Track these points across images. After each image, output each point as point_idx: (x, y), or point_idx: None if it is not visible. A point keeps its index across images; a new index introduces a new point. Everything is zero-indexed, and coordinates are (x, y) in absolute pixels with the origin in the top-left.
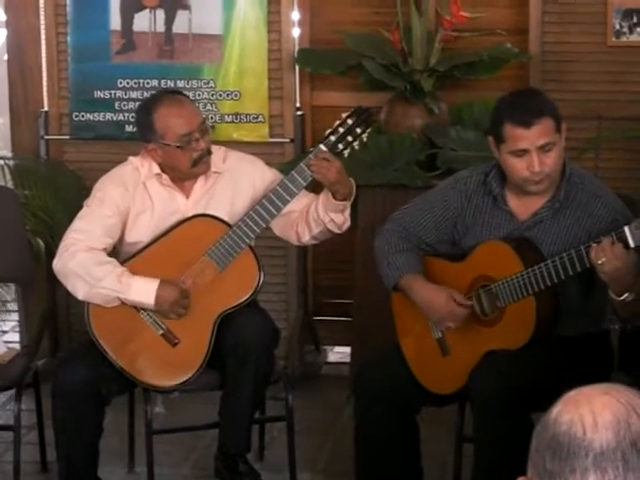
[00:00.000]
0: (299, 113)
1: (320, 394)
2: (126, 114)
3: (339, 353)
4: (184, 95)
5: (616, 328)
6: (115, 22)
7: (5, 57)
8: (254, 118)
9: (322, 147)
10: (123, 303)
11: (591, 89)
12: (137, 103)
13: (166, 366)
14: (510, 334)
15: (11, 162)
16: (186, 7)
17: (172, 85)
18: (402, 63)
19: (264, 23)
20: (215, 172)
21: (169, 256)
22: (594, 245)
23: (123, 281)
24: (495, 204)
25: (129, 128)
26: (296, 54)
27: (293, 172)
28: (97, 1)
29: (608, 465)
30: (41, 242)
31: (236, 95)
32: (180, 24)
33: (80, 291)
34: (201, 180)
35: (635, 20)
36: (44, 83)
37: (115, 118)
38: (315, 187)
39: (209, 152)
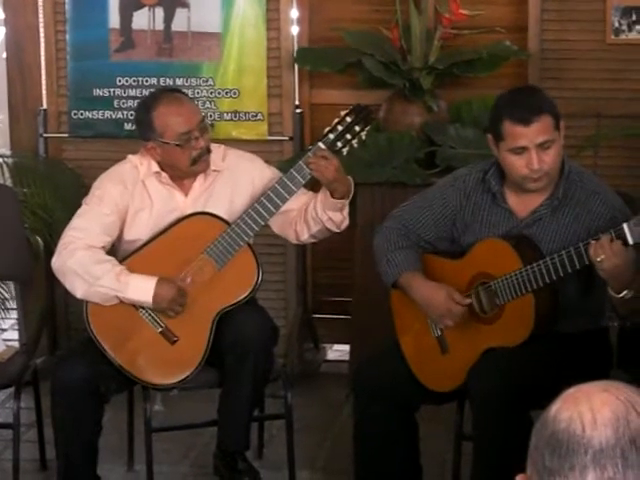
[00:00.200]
0: (298, 111)
1: (319, 392)
2: (125, 112)
3: (338, 351)
4: (183, 93)
5: (615, 325)
6: (114, 20)
7: (4, 55)
8: (253, 116)
9: (321, 145)
10: (122, 301)
11: (590, 87)
12: (136, 101)
13: (165, 364)
14: (509, 331)
15: (10, 160)
16: (185, 5)
17: (171, 83)
18: (401, 61)
19: (263, 21)
20: (214, 170)
21: (168, 254)
22: (593, 242)
23: (121, 279)
24: (494, 202)
25: (128, 126)
26: (295, 53)
27: (292, 170)
28: None
29: (607, 462)
30: (40, 240)
31: (235, 93)
32: (179, 22)
33: (79, 289)
34: (200, 178)
35: (634, 18)
36: (43, 81)
37: (114, 116)
38: (314, 185)
39: (208, 150)
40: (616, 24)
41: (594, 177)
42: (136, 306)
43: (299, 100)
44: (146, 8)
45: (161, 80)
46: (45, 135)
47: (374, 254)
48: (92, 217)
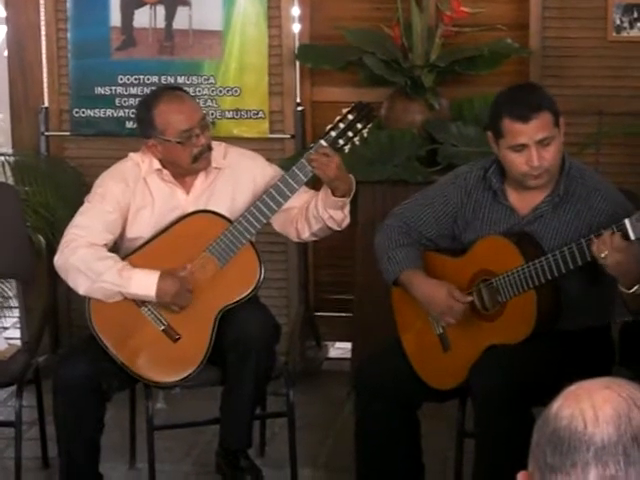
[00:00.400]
0: (299, 109)
1: (321, 390)
2: (126, 110)
3: (340, 349)
4: (184, 91)
5: (628, 321)
6: (115, 18)
7: (5, 53)
8: (254, 114)
9: (323, 143)
10: (124, 298)
11: (592, 84)
12: (137, 99)
13: (167, 362)
14: (511, 329)
15: (11, 158)
16: (186, 3)
17: (172, 81)
18: (402, 59)
19: (264, 19)
20: (216, 168)
21: (170, 252)
22: (594, 239)
23: (124, 275)
24: (495, 199)
25: (129, 124)
26: (296, 50)
27: (294, 168)
28: None
29: (609, 459)
30: (42, 238)
31: (236, 91)
32: (180, 20)
33: (81, 286)
34: (202, 176)
35: (636, 15)
36: (44, 79)
37: (115, 114)
38: (315, 184)
39: (209, 148)
40: (617, 21)
41: (595, 173)
42: (138, 304)
43: (300, 98)
44: (147, 6)
45: (162, 78)
46: (47, 133)
47: (375, 252)
48: (94, 215)
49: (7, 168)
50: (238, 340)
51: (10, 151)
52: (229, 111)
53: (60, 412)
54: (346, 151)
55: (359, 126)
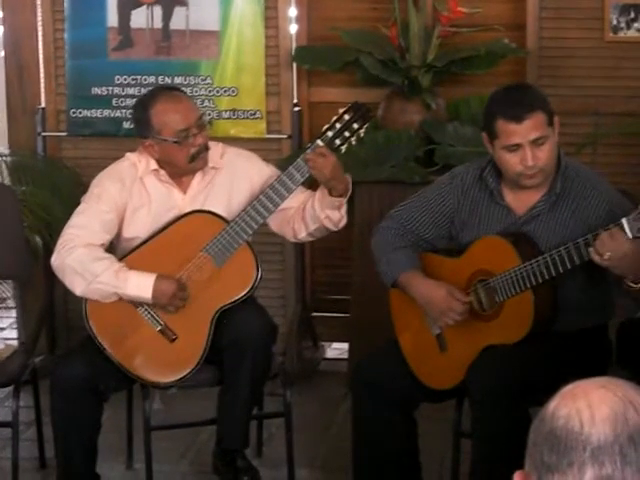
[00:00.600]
0: (296, 109)
1: (318, 390)
2: (123, 111)
3: (337, 349)
4: (181, 91)
5: (626, 321)
6: (112, 19)
7: (2, 54)
8: (251, 114)
9: (319, 143)
10: (121, 299)
11: (588, 84)
12: (134, 100)
13: (164, 362)
14: (508, 329)
15: (8, 159)
16: (183, 4)
17: (169, 81)
18: (399, 59)
19: (261, 19)
20: (212, 168)
21: (166, 252)
22: (591, 239)
23: (120, 276)
24: (492, 199)
25: (126, 124)
26: (293, 52)
27: (290, 168)
28: None
29: (606, 459)
30: (38, 239)
31: (233, 91)
32: (177, 20)
33: (78, 287)
34: (198, 176)
35: (632, 15)
36: (41, 80)
37: (112, 115)
38: (312, 184)
39: (206, 148)
40: (614, 22)
41: (591, 172)
42: (135, 304)
43: (297, 98)
44: (144, 6)
45: (159, 79)
46: (43, 134)
47: (373, 254)
48: (91, 215)
49: (4, 168)
50: (235, 340)
51: (7, 151)
52: (226, 111)
53: (57, 412)
54: (343, 151)
55: (355, 126)
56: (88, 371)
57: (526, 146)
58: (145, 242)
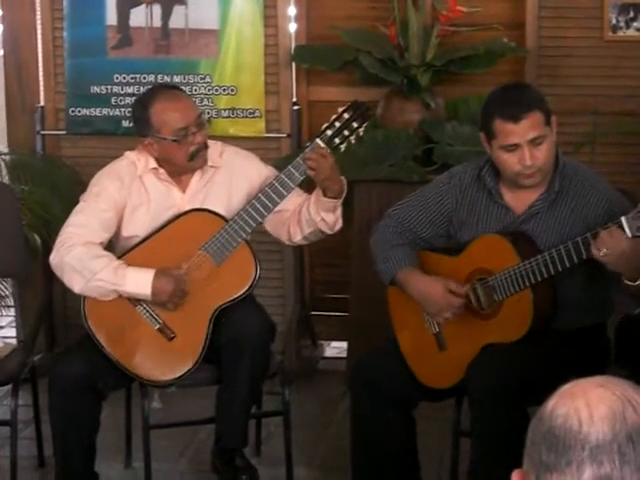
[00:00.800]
0: (296, 108)
1: (317, 389)
2: (122, 109)
3: (336, 348)
4: (180, 90)
5: (624, 319)
6: (111, 17)
7: (1, 52)
8: (250, 113)
9: (319, 142)
10: (119, 297)
11: (587, 84)
12: (133, 98)
13: (162, 360)
14: (507, 327)
15: (7, 157)
16: (182, 2)
17: (168, 80)
18: (398, 58)
19: (260, 18)
20: (212, 167)
21: (165, 250)
22: (591, 238)
23: (119, 273)
24: (490, 198)
25: (125, 123)
26: (292, 51)
27: (290, 166)
28: None
29: (604, 458)
30: (37, 237)
31: (232, 90)
32: (176, 19)
33: (76, 285)
34: (197, 174)
35: (632, 15)
36: (40, 78)
37: (111, 113)
38: (309, 189)
39: (206, 146)
40: (613, 21)
41: (589, 171)
42: (134, 302)
43: (297, 97)
44: (143, 5)
45: (158, 77)
46: (42, 132)
47: (371, 253)
48: (90, 214)
49: (3, 167)
50: (233, 339)
51: (6, 150)
52: (225, 110)
53: (56, 411)
54: (342, 150)
55: (355, 125)
56: (86, 369)
57: (524, 146)
58: (144, 240)
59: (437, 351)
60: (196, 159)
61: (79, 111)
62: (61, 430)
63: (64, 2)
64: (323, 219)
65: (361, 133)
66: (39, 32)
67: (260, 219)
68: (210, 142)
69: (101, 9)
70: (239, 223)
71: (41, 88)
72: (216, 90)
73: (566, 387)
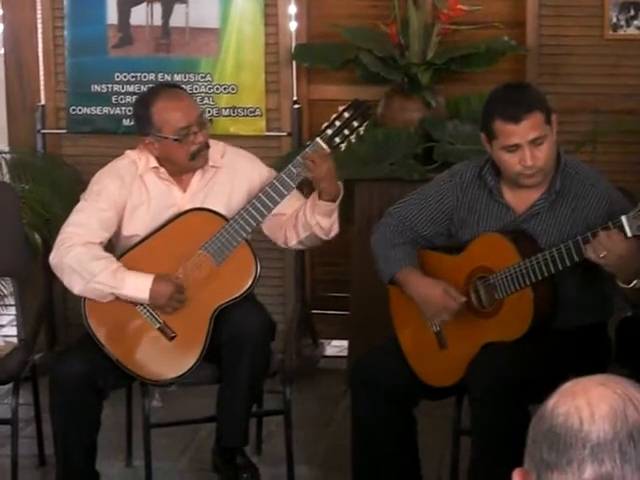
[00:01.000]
0: (296, 107)
1: (318, 387)
2: (123, 108)
3: (336, 346)
4: (182, 89)
5: (625, 318)
6: (112, 16)
7: (2, 51)
8: (251, 112)
9: (319, 140)
10: (118, 298)
11: (588, 82)
12: (134, 97)
13: (162, 360)
14: (508, 326)
15: (8, 156)
16: (183, 1)
17: (169, 79)
18: (399, 56)
19: (261, 17)
20: (213, 167)
21: (165, 250)
22: (591, 237)
23: (118, 276)
24: (491, 197)
25: (126, 122)
26: (293, 49)
27: (290, 165)
28: None
29: (605, 456)
30: (38, 236)
31: (233, 89)
32: (177, 18)
33: (76, 286)
34: (198, 174)
35: (632, 13)
36: (41, 77)
37: (112, 112)
38: (309, 193)
39: (207, 146)
40: (614, 19)
41: (590, 170)
42: (134, 302)
43: (297, 96)
44: (144, 4)
45: (159, 76)
46: (43, 131)
47: (372, 251)
48: (90, 213)
49: (4, 166)
50: (234, 337)
51: (6, 149)
52: (226, 109)
53: (56, 410)
54: (342, 149)
55: (355, 124)
56: (87, 368)
57: (525, 146)
58: (144, 240)
59: (438, 349)
60: (197, 159)
61: (80, 110)
62: (62, 429)
63: (65, 1)
64: (318, 223)
65: (361, 132)
66: (40, 31)
67: (261, 218)
68: (212, 142)
69: (102, 8)
70: (239, 222)
71: (42, 87)
72: (217, 89)
73: (567, 385)
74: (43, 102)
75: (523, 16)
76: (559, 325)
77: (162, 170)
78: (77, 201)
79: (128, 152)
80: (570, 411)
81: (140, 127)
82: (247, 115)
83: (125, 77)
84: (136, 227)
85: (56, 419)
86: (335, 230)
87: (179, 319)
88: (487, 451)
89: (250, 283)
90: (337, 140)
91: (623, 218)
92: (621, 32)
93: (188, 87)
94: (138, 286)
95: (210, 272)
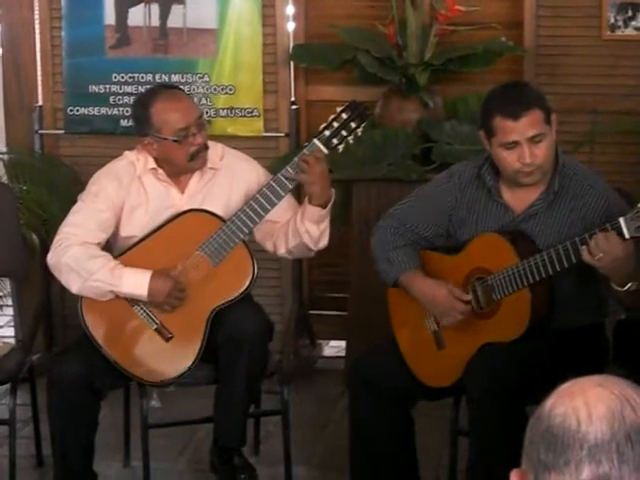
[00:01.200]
0: (294, 107)
1: (315, 388)
2: (121, 108)
3: (334, 347)
4: (181, 90)
5: (622, 318)
6: (109, 16)
7: None
8: (249, 112)
9: (316, 142)
10: (117, 297)
11: (586, 83)
12: (132, 98)
13: (160, 361)
14: (505, 327)
15: (5, 157)
16: (181, 1)
17: (167, 79)
18: (397, 57)
19: (259, 17)
20: (211, 168)
21: (163, 251)
22: (589, 241)
23: (115, 274)
24: (489, 197)
25: (124, 122)
26: (291, 50)
27: (287, 167)
28: None
29: (603, 457)
30: (35, 236)
31: (231, 89)
32: (175, 18)
33: (74, 285)
34: (197, 175)
35: (630, 14)
36: (38, 78)
37: (110, 112)
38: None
39: (206, 147)
40: (612, 20)
41: (588, 170)
42: (131, 303)
43: (295, 96)
44: (142, 4)
45: (157, 76)
46: (41, 132)
47: (372, 253)
48: (87, 213)
49: (1, 166)
50: (231, 338)
51: (4, 149)
52: (223, 109)
53: (54, 410)
54: (340, 150)
55: (353, 125)
56: (85, 369)
57: (523, 143)
58: (141, 241)
59: (436, 350)
60: (196, 160)
61: (77, 110)
62: (59, 429)
63: (62, 1)
64: (307, 231)
65: (359, 133)
66: (37, 31)
67: (258, 220)
68: (210, 143)
69: (99, 8)
70: (237, 224)
71: (39, 87)
72: (214, 89)
73: (565, 386)
74: (41, 102)
75: (520, 17)
76: (556, 325)
77: (160, 171)
78: (75, 202)
79: (126, 153)
80: (568, 412)
81: (139, 128)
82: (245, 116)
83: (123, 78)
84: (134, 228)
85: (54, 420)
86: (324, 241)
87: (176, 320)
88: (485, 451)
89: (247, 284)
90: (335, 141)
91: (621, 220)
92: (619, 33)
93: (186, 88)
94: (136, 283)
95: (207, 273)
